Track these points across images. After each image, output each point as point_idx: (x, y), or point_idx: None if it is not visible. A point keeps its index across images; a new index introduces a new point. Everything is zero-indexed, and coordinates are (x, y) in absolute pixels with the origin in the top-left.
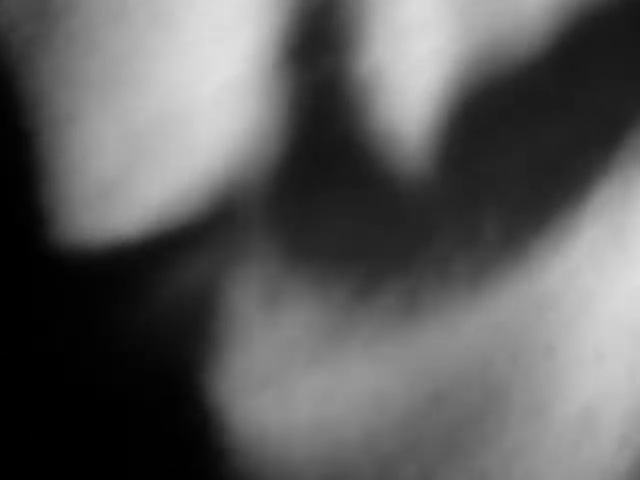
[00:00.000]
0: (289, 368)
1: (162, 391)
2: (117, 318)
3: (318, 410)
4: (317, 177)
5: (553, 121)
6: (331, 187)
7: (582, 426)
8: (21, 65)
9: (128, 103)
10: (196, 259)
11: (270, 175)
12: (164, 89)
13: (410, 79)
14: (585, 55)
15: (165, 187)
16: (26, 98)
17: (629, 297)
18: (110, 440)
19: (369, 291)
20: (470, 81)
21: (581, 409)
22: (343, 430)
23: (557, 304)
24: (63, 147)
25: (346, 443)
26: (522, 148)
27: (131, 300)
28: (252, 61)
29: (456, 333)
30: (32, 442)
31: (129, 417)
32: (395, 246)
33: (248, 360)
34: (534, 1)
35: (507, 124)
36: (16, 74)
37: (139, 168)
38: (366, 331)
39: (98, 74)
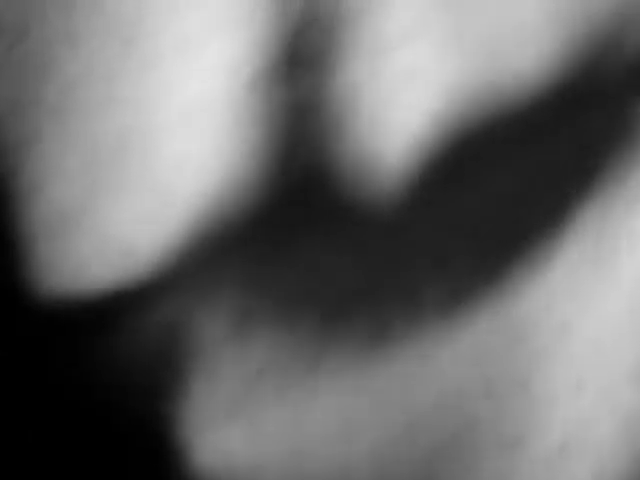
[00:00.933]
0: (257, 399)
1: (130, 423)
2: (81, 354)
3: (287, 441)
4: (289, 203)
5: (531, 150)
6: (303, 214)
7: (558, 458)
8: None
9: (88, 126)
10: (163, 290)
11: (241, 199)
12: (126, 109)
13: (388, 100)
14: (579, 82)
15: (130, 213)
16: None
17: (607, 324)
18: (83, 469)
19: (338, 321)
20: (448, 107)
21: (558, 440)
22: (313, 461)
23: (533, 333)
24: (19, 173)
25: (316, 475)
26: (496, 176)
27: (96, 335)
28: (223, 76)
29: (428, 363)
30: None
31: (100, 448)
32: (364, 276)
33: (216, 391)
34: (526, 24)
35: (484, 153)
36: None
37: (101, 194)
38: (335, 362)
39: (55, 98)
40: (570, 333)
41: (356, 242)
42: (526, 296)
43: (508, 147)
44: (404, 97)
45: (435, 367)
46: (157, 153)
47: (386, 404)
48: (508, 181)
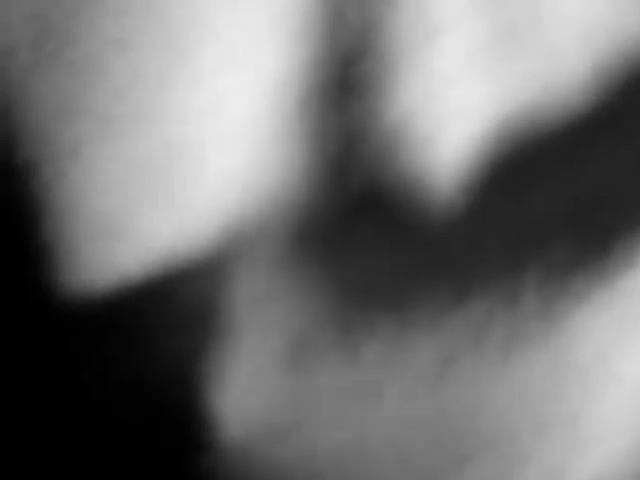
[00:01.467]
0: (313, 422)
1: (159, 405)
2: (118, 355)
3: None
4: (338, 225)
5: (589, 175)
6: (353, 237)
7: None
8: (18, 93)
9: (134, 137)
10: (203, 299)
11: (287, 217)
12: (173, 121)
13: (441, 129)
14: (620, 112)
15: (172, 224)
16: (24, 129)
17: None
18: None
19: (400, 352)
20: (502, 135)
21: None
22: None
23: (585, 377)
24: (64, 183)
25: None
26: (561, 203)
27: (134, 340)
28: (273, 94)
29: (485, 401)
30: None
31: (129, 429)
32: (429, 306)
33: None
34: (570, 60)
35: (542, 177)
36: (11, 102)
37: (145, 205)
38: (394, 391)
39: (102, 105)
40: (622, 380)
41: (409, 268)
42: (583, 341)
43: (561, 166)
44: (455, 128)
45: (492, 404)
46: (204, 166)
47: (442, 434)
48: (562, 200)
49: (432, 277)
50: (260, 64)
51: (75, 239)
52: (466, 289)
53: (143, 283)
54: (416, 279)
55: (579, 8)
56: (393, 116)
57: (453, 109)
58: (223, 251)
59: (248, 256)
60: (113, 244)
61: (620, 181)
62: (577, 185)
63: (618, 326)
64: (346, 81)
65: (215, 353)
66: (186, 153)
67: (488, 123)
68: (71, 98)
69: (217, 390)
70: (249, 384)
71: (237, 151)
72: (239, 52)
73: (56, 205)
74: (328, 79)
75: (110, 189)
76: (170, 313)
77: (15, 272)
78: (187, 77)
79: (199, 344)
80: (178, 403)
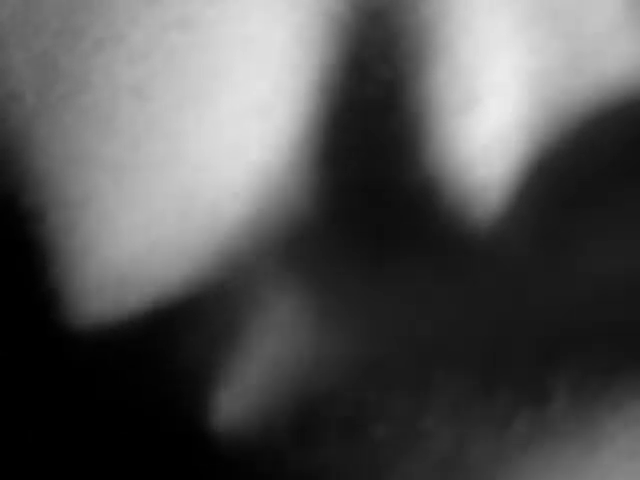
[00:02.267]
0: (313, 431)
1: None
2: (126, 399)
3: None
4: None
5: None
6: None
7: None
8: (23, 139)
9: (147, 186)
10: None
11: (301, 257)
12: (187, 170)
13: (489, 145)
14: None
15: (183, 273)
16: (30, 175)
17: None
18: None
19: (412, 436)
20: (539, 120)
21: None
22: None
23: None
24: (74, 230)
25: None
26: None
27: (142, 374)
28: (287, 142)
29: (508, 466)
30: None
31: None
32: (450, 391)
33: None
34: (612, 77)
35: (584, 166)
36: (17, 148)
37: (156, 254)
38: (400, 477)
39: (115, 154)
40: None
41: (452, 269)
42: (613, 443)
43: (610, 158)
44: (502, 145)
45: (513, 469)
46: (217, 215)
47: None
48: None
49: (463, 279)
50: (276, 113)
51: (85, 285)
52: (492, 376)
53: (150, 327)
54: (447, 281)
55: None
56: (420, 176)
57: (501, 121)
58: (232, 289)
59: (259, 302)
60: (123, 290)
61: None
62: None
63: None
64: (369, 135)
65: (222, 365)
66: (200, 202)
67: (537, 135)
68: (81, 145)
69: (224, 402)
70: (255, 392)
71: (254, 199)
72: (256, 101)
73: (65, 252)
74: (346, 130)
75: (121, 237)
76: (178, 352)
77: (22, 317)
78: (203, 125)
79: (208, 358)
80: (188, 419)
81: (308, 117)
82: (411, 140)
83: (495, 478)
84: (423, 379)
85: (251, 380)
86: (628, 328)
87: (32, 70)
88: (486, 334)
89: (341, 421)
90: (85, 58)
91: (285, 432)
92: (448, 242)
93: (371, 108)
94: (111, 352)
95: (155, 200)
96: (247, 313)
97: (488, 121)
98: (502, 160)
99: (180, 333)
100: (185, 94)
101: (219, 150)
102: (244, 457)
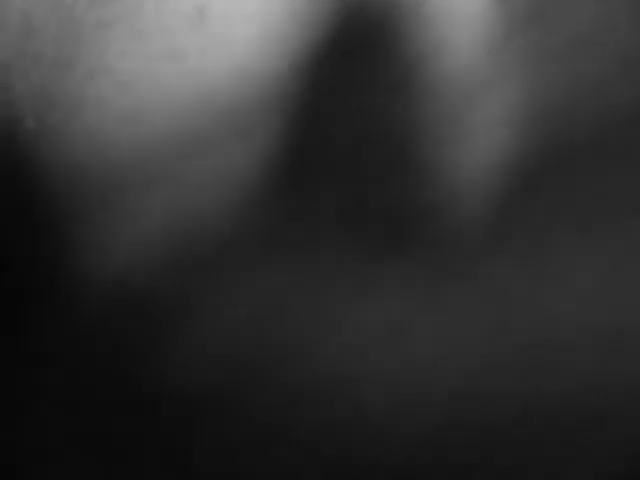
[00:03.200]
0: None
1: None
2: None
3: None
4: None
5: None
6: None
7: None
8: (31, 160)
9: (134, 205)
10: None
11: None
12: (174, 190)
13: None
14: None
15: (188, 293)
16: (37, 193)
17: None
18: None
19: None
20: (530, 120)
21: None
22: None
23: None
24: (79, 243)
25: None
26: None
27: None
28: (279, 161)
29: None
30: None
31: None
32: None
33: None
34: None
35: (573, 162)
36: (25, 169)
37: (144, 269)
38: None
39: (109, 177)
40: None
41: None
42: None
43: (600, 157)
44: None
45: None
46: (203, 232)
47: None
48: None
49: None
50: (267, 133)
51: (89, 295)
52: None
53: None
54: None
55: None
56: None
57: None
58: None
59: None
60: (119, 302)
61: None
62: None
63: None
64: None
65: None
66: (185, 219)
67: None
68: (76, 166)
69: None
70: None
71: (235, 215)
72: (243, 122)
73: (72, 262)
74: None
75: (121, 252)
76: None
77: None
78: (187, 147)
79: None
80: None
81: (291, 137)
82: (399, 165)
83: None
84: (379, 411)
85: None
86: (602, 365)
87: (31, 97)
88: (458, 374)
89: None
90: (77, 87)
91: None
92: (420, 266)
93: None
94: (108, 347)
95: (142, 218)
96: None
97: (476, 153)
98: (487, 193)
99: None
100: (171, 119)
101: (204, 169)
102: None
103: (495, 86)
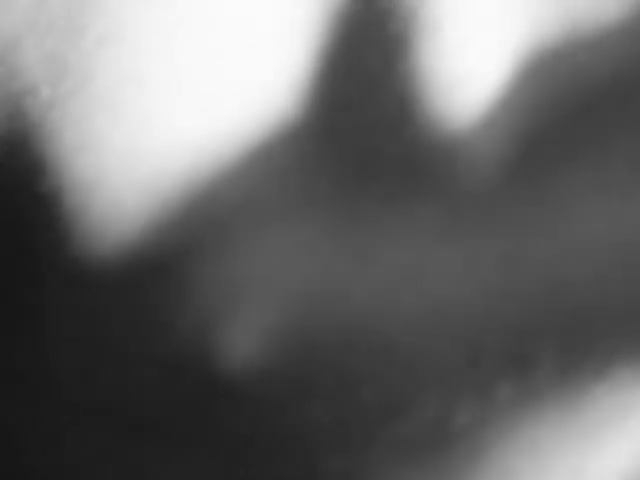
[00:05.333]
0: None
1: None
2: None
3: None
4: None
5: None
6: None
7: None
8: (38, 130)
9: (154, 169)
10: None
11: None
12: (189, 154)
13: (476, 123)
14: None
15: (192, 251)
16: (45, 163)
17: None
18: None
19: (402, 401)
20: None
21: None
22: None
23: (592, 434)
24: (84, 212)
25: None
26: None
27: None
28: (286, 126)
29: (485, 451)
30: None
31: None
32: (439, 360)
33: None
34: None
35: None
36: (33, 139)
37: (166, 236)
38: (392, 441)
39: (121, 140)
40: (629, 437)
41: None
42: (599, 404)
43: (593, 115)
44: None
45: (492, 459)
46: (217, 196)
47: None
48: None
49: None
50: (275, 96)
51: (99, 265)
52: (479, 345)
53: (158, 281)
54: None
55: None
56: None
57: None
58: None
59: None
60: (135, 266)
61: None
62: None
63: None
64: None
65: (226, 314)
66: (199, 183)
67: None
68: (90, 133)
69: (232, 349)
70: (263, 344)
71: (249, 182)
72: (254, 84)
73: (80, 232)
74: (335, 109)
75: (130, 218)
76: (184, 304)
77: (36, 299)
78: (203, 109)
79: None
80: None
81: (300, 99)
82: (399, 117)
83: (480, 442)
84: (409, 347)
85: (247, 346)
86: (613, 294)
87: (44, 66)
88: (475, 299)
89: (332, 385)
90: (90, 53)
91: (278, 396)
92: (437, 206)
93: (359, 89)
94: (124, 322)
95: (159, 180)
96: (243, 285)
97: (474, 100)
98: (488, 142)
99: (185, 295)
100: (185, 80)
101: (218, 133)
102: (238, 417)
103: (499, 31)
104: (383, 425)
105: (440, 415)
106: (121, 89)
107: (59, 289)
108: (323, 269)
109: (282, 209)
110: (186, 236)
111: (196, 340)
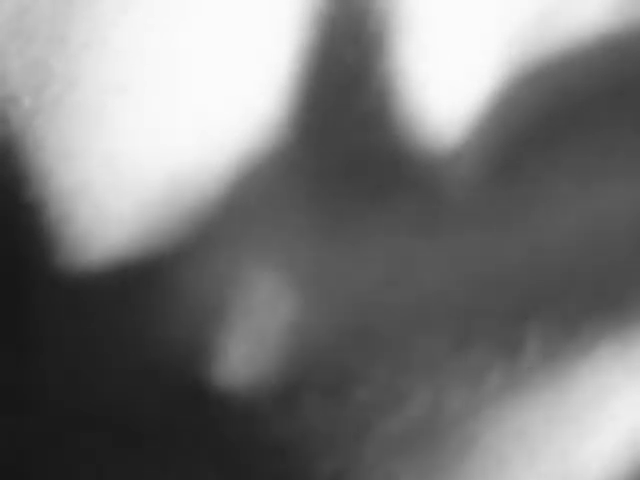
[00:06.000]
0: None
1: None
2: (126, 332)
3: None
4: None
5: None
6: (359, 187)
7: None
8: (21, 139)
9: (135, 174)
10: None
11: (278, 185)
12: (173, 158)
13: (456, 116)
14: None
15: (183, 258)
16: (28, 171)
17: None
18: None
19: (392, 398)
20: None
21: None
22: None
23: (580, 418)
24: (69, 220)
25: None
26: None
27: (140, 312)
28: (269, 128)
29: (475, 440)
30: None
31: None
32: (427, 350)
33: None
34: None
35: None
36: (16, 146)
37: (151, 241)
38: (383, 429)
39: (105, 147)
40: (617, 421)
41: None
42: (585, 387)
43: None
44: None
45: (482, 442)
46: (203, 199)
47: (428, 469)
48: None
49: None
50: (255, 97)
51: (85, 273)
52: (466, 334)
53: (145, 300)
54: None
55: None
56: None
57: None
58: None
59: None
60: (121, 274)
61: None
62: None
63: (621, 374)
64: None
65: (209, 337)
66: (185, 186)
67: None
68: (74, 140)
69: (220, 360)
70: (240, 362)
71: (235, 183)
72: (233, 88)
73: (65, 240)
74: (317, 109)
75: (115, 225)
76: (167, 324)
77: (22, 308)
78: (186, 115)
79: (205, 315)
80: (187, 372)
81: (278, 97)
82: (379, 115)
83: (471, 432)
84: (403, 341)
85: (237, 351)
86: (596, 274)
87: (27, 74)
88: (460, 290)
89: (324, 387)
90: (73, 60)
91: (270, 399)
92: (419, 202)
93: (339, 88)
94: (112, 330)
95: (143, 186)
96: (230, 289)
97: (455, 93)
98: (469, 130)
99: (172, 307)
100: (170, 87)
101: (202, 137)
102: (233, 420)
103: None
104: (376, 422)
105: (432, 407)
106: (105, 96)
107: (46, 299)
108: (309, 269)
109: (266, 210)
110: (172, 242)
111: (185, 347)
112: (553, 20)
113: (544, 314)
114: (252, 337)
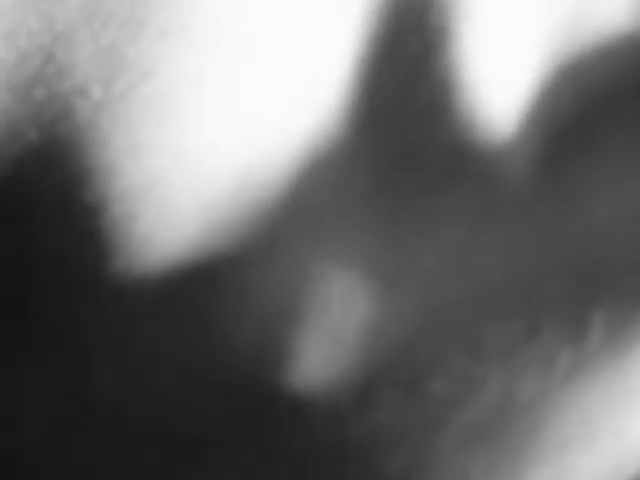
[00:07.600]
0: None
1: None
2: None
3: None
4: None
5: None
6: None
7: None
8: (86, 134)
9: (207, 172)
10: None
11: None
12: (245, 154)
13: (513, 108)
14: None
15: (241, 251)
16: (95, 167)
17: None
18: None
19: (467, 386)
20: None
21: None
22: None
23: (635, 398)
24: (137, 217)
25: None
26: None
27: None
28: (330, 119)
29: (542, 426)
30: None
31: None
32: (501, 339)
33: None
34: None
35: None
36: (80, 143)
37: (218, 241)
38: (459, 419)
39: (174, 143)
40: None
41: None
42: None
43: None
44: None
45: (549, 424)
46: (270, 195)
47: (498, 452)
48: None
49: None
50: (320, 89)
51: (148, 275)
52: (535, 321)
53: (213, 302)
54: (469, 228)
55: None
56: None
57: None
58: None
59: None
60: (186, 276)
61: None
62: None
63: None
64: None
65: (285, 337)
66: (252, 183)
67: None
68: (143, 134)
69: (294, 362)
70: (317, 361)
71: (298, 177)
72: (300, 79)
73: (128, 241)
74: (378, 100)
75: (182, 223)
76: (241, 325)
77: (89, 307)
78: (261, 108)
79: (276, 318)
80: (256, 379)
81: (342, 89)
82: (440, 107)
83: (538, 418)
84: (474, 330)
85: (313, 351)
86: None
87: (98, 63)
88: (525, 277)
89: (401, 382)
90: (150, 47)
91: (349, 398)
92: (479, 192)
93: (402, 78)
94: (177, 333)
95: (211, 184)
96: (302, 286)
97: (512, 88)
98: (519, 122)
99: (242, 308)
100: (249, 78)
101: (268, 131)
102: (308, 423)
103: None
104: (452, 414)
105: (504, 396)
106: (179, 87)
107: (107, 303)
108: (376, 261)
109: (333, 203)
110: (240, 240)
111: (256, 349)
112: (586, 16)
113: (604, 298)
114: (328, 335)
